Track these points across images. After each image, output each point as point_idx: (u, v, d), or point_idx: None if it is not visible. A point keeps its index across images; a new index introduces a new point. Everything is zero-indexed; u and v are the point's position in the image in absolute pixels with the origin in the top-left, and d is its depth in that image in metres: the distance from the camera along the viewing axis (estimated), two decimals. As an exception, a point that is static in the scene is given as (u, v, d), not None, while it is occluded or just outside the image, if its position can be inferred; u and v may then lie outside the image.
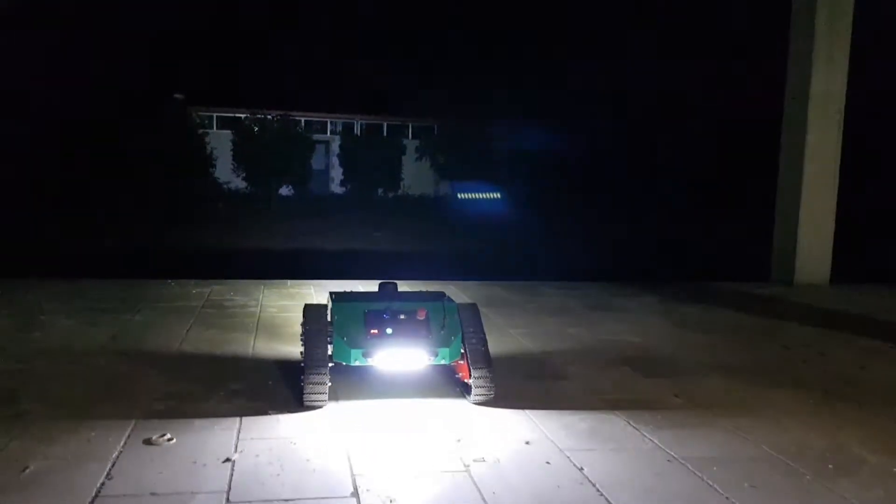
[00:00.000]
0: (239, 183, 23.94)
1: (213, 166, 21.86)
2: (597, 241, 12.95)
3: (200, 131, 22.26)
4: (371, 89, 29.93)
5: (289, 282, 7.72)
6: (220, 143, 23.18)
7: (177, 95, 24.33)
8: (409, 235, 14.72)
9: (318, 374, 3.75)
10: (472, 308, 4.14)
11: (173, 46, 25.02)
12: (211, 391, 4.00)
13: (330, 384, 3.80)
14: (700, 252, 11.47)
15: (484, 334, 4.03)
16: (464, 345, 3.95)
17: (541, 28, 19.58)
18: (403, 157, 28.04)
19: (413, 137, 31.24)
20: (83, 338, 5.14)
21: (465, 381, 4.00)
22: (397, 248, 12.57)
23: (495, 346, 5.20)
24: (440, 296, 4.18)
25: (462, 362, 3.99)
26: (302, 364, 3.90)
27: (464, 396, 4.03)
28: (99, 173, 17.01)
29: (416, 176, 28.77)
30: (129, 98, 20.18)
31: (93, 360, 4.58)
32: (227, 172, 23.32)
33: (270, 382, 4.20)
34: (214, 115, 28.85)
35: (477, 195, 22.89)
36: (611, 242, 12.87)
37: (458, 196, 23.48)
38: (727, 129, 14.31)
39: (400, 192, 28.10)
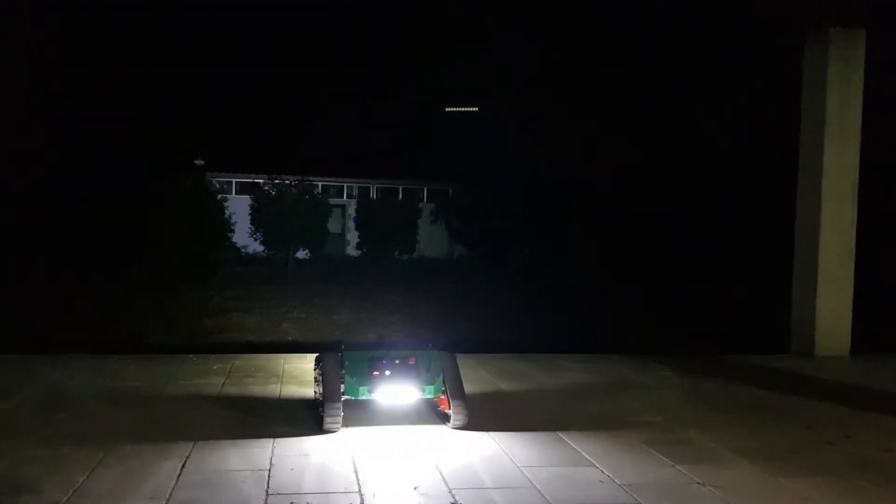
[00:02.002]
0: (256, 247, 24.16)
1: (233, 231, 22.10)
2: (607, 308, 12.93)
3: (220, 196, 22.59)
4: (387, 154, 30.39)
5: (307, 356, 7.75)
6: (239, 207, 23.50)
7: (197, 161, 24.81)
8: (424, 301, 14.75)
9: (335, 406, 4.92)
10: (451, 356, 5.30)
11: (194, 113, 25.61)
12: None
13: (343, 414, 4.96)
14: (713, 319, 11.41)
15: (459, 374, 5.20)
16: (444, 383, 5.13)
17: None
18: (419, 221, 28.26)
19: (428, 201, 31.56)
20: (107, 420, 5.18)
21: (445, 411, 5.17)
22: (411, 314, 12.60)
23: (516, 424, 5.21)
24: (426, 345, 5.36)
25: (443, 396, 5.17)
26: (316, 399, 5.26)
27: (444, 423, 5.20)
28: (117, 241, 17.23)
29: (431, 239, 28.97)
30: (149, 164, 20.58)
31: (119, 446, 4.61)
32: (244, 237, 23.58)
33: (293, 469, 4.24)
34: (234, 180, 29.32)
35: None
36: (621, 309, 12.84)
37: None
38: (737, 190, 14.38)
39: (415, 254, 28.24)
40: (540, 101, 20.89)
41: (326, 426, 4.92)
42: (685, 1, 8.91)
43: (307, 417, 5.31)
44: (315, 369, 5.51)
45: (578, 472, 4.33)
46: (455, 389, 5.13)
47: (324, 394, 4.99)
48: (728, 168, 14.67)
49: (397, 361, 5.11)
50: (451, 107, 26.72)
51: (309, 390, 5.96)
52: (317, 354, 5.46)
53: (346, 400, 5.04)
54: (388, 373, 5.05)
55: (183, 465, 4.26)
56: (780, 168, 9.87)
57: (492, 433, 5.02)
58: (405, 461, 4.48)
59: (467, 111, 26.59)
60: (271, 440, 4.77)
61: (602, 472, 4.33)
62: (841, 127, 8.16)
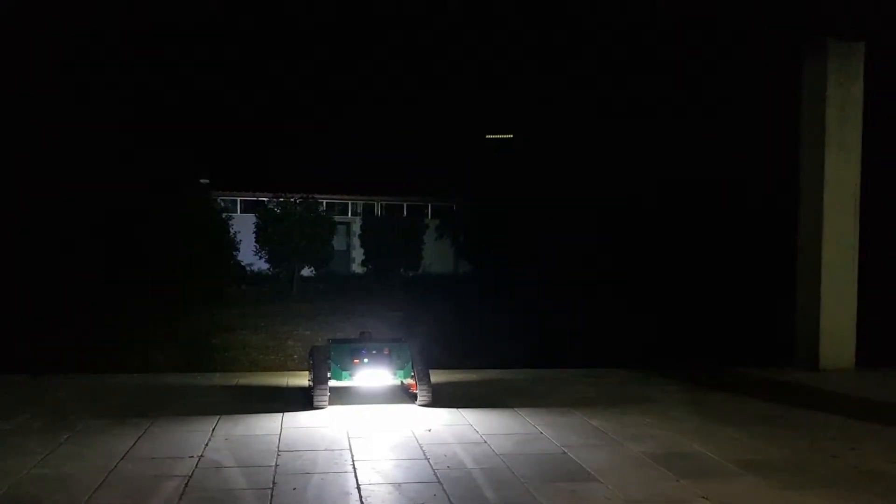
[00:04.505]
0: (262, 265, 24.20)
1: (238, 250, 22.16)
2: (611, 322, 12.88)
3: (225, 215, 22.68)
4: (392, 171, 30.46)
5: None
6: (244, 226, 23.58)
7: (202, 181, 24.89)
8: (429, 317, 14.74)
9: (322, 387, 6.00)
10: (419, 347, 6.39)
11: (198, 131, 25.70)
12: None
13: (329, 394, 6.03)
14: (717, 332, 11.34)
15: (425, 362, 6.27)
16: (413, 369, 6.17)
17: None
18: (424, 237, 28.27)
19: (433, 217, 31.62)
20: (110, 440, 5.19)
21: (413, 391, 6.20)
22: (416, 331, 12.58)
23: (516, 440, 5.20)
24: (399, 339, 6.50)
25: (411, 381, 6.21)
26: (309, 385, 6.27)
27: (412, 402, 6.22)
28: (120, 261, 17.27)
29: (436, 254, 28.97)
30: (154, 183, 20.64)
31: (122, 465, 4.61)
32: (249, 255, 23.64)
33: (295, 487, 4.25)
34: (238, 199, 29.46)
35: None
36: (625, 323, 12.79)
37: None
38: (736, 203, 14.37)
39: (421, 270, 28.22)
40: (542, 115, 20.93)
41: (316, 403, 5.97)
42: (683, 13, 8.94)
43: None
44: (309, 358, 6.57)
45: (582, 486, 4.32)
46: (422, 374, 6.15)
47: (313, 378, 6.06)
48: (729, 180, 14.65)
49: (374, 351, 6.18)
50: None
51: None
52: (310, 348, 6.68)
53: (334, 385, 6.12)
54: (366, 360, 6.12)
55: (186, 484, 4.27)
56: (781, 179, 9.85)
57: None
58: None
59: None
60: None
61: (606, 487, 4.31)
62: (841, 139, 8.16)
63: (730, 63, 12.69)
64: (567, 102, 19.57)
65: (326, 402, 6.01)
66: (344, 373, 6.10)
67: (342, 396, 6.41)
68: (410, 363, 6.22)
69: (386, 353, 6.20)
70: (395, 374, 6.19)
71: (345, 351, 6.18)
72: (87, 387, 6.93)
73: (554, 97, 19.78)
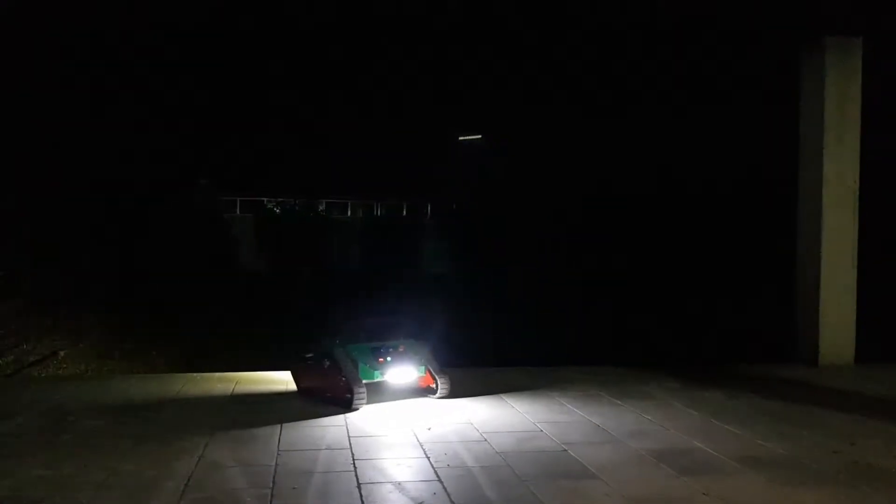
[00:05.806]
0: (261, 266, 24.24)
1: (237, 250, 22.20)
2: (609, 320, 12.87)
3: (225, 216, 22.71)
4: (391, 171, 30.49)
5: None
6: (244, 227, 23.62)
7: (203, 181, 24.91)
8: (429, 316, 14.74)
9: (360, 388, 6.00)
10: (428, 343, 6.60)
11: (198, 132, 25.70)
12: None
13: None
14: (716, 329, 11.34)
15: (436, 357, 6.52)
16: (427, 365, 6.42)
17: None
18: (423, 237, 28.30)
19: (432, 216, 31.64)
20: (111, 440, 5.18)
21: (431, 385, 6.45)
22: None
23: (517, 438, 5.21)
24: (411, 336, 6.61)
25: (424, 376, 6.44)
26: (308, 388, 6.49)
27: (420, 397, 6.45)
28: (120, 262, 17.25)
29: (435, 254, 28.97)
30: (153, 184, 20.63)
31: (122, 465, 4.61)
32: (249, 256, 23.67)
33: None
34: (238, 199, 29.46)
35: None
36: (624, 320, 12.78)
37: None
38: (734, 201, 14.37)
39: (420, 269, 28.25)
40: (541, 115, 20.94)
41: (356, 405, 5.96)
42: (682, 13, 8.93)
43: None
44: (303, 364, 6.60)
45: (580, 484, 4.32)
46: (437, 368, 6.43)
47: (348, 379, 6.03)
48: (728, 176, 14.66)
49: (391, 349, 6.37)
50: (462, 136, 26.90)
51: None
52: (310, 353, 6.50)
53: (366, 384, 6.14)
54: (388, 359, 6.29)
55: (187, 483, 4.27)
56: (780, 176, 9.86)
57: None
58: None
59: (474, 139, 26.78)
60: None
61: (607, 484, 4.31)
62: (839, 134, 8.14)
63: (727, 59, 12.69)
64: (566, 102, 19.58)
65: (365, 401, 6.04)
66: (375, 372, 6.23)
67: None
68: (425, 359, 6.43)
69: (401, 350, 6.39)
70: (417, 370, 6.39)
71: (366, 352, 6.31)
72: (86, 387, 6.93)
73: (553, 97, 19.78)
